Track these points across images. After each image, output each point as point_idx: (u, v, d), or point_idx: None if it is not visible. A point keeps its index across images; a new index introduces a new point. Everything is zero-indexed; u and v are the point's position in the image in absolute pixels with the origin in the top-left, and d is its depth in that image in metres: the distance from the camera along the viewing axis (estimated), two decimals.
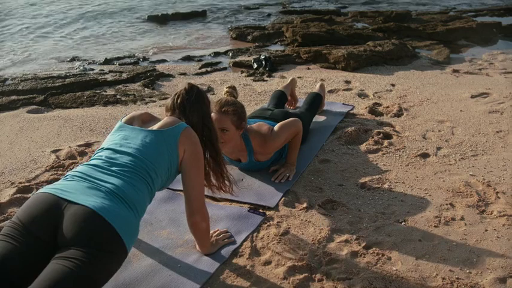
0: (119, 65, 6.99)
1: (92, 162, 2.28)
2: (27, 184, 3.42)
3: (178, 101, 2.56)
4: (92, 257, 1.89)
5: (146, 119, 2.53)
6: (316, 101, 4.38)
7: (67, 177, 2.21)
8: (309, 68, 6.55)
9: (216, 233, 2.75)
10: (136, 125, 2.46)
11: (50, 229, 1.96)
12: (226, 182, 2.73)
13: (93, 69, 6.72)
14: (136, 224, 2.15)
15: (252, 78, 6.09)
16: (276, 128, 3.41)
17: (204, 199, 2.49)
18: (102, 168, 2.22)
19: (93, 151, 3.91)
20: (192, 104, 2.55)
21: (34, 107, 5.17)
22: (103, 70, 6.62)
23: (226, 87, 3.49)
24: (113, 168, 2.21)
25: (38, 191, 2.15)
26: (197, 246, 2.64)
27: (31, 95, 5.45)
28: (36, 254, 1.94)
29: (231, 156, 3.48)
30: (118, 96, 5.43)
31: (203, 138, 2.55)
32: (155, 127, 2.42)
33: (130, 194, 2.13)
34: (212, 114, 3.06)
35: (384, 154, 3.79)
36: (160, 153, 2.33)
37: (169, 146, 2.35)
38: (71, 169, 3.61)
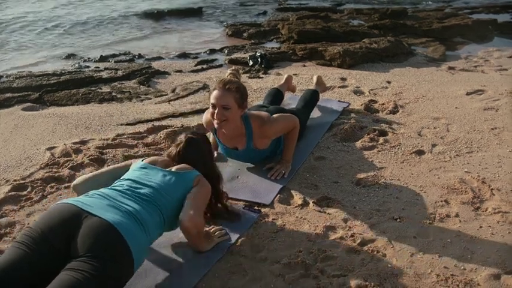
0: (115, 62, 6.97)
1: (115, 187, 2.43)
2: (21, 182, 3.41)
3: (180, 155, 2.72)
4: (102, 270, 1.97)
5: (168, 164, 2.68)
6: (312, 98, 4.37)
7: (88, 194, 2.34)
8: (304, 65, 6.55)
9: (212, 230, 2.75)
10: (159, 166, 2.64)
11: (65, 237, 2.05)
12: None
13: (88, 67, 6.70)
14: (147, 247, 2.29)
15: (247, 75, 6.09)
16: (274, 115, 3.43)
17: (202, 212, 2.54)
18: (123, 193, 2.37)
19: (89, 148, 3.90)
20: (193, 157, 2.72)
21: (29, 104, 5.15)
22: (98, 67, 6.60)
23: (230, 70, 3.48)
24: (133, 195, 2.37)
25: (58, 202, 2.28)
26: None
27: (26, 93, 5.42)
28: (47, 263, 2.02)
29: (229, 144, 3.47)
30: (113, 94, 5.41)
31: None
32: (173, 169, 2.59)
33: (146, 219, 2.27)
34: (215, 92, 3.14)
35: (379, 151, 3.80)
36: (177, 191, 2.49)
37: (185, 187, 2.53)
38: (66, 166, 3.60)
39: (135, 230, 2.17)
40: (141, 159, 2.72)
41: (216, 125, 3.18)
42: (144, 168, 2.58)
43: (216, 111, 3.13)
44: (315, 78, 4.73)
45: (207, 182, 2.64)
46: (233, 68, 3.53)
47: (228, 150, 3.54)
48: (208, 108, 3.24)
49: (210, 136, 3.62)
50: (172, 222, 2.50)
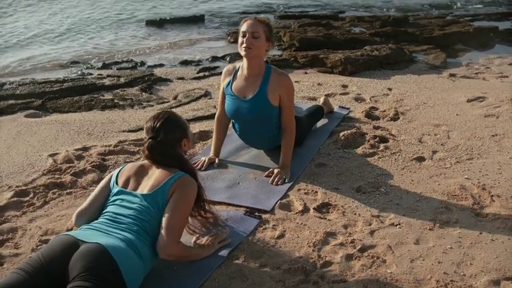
0: (117, 69, 7.01)
1: (100, 220, 2.46)
2: (24, 188, 3.43)
3: (148, 158, 2.61)
4: None
5: (140, 178, 2.57)
6: (317, 112, 4.36)
7: (82, 228, 2.41)
8: (306, 73, 6.57)
9: (213, 236, 2.76)
10: (132, 186, 2.55)
11: (63, 265, 2.11)
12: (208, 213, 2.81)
13: (91, 74, 6.73)
14: (140, 267, 2.30)
15: None
16: None
17: (175, 237, 2.44)
18: (109, 226, 2.39)
19: (91, 155, 3.92)
20: (160, 158, 2.59)
21: (32, 111, 5.18)
22: (101, 74, 6.63)
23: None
24: (119, 225, 2.38)
25: (59, 234, 2.38)
26: None
27: (29, 100, 5.46)
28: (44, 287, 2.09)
29: (239, 92, 3.55)
30: (116, 101, 5.44)
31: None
32: (147, 189, 2.50)
33: (138, 245, 2.31)
34: (246, 22, 3.42)
35: (380, 158, 3.81)
36: (156, 212, 2.45)
37: (162, 205, 2.46)
38: (68, 173, 3.62)
39: (128, 253, 2.22)
40: (116, 172, 2.64)
41: (243, 52, 3.38)
42: (118, 194, 2.53)
43: (245, 39, 3.35)
44: (322, 99, 4.74)
45: (185, 181, 2.52)
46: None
47: (234, 102, 3.57)
48: (228, 68, 3.65)
49: (221, 89, 3.71)
50: None
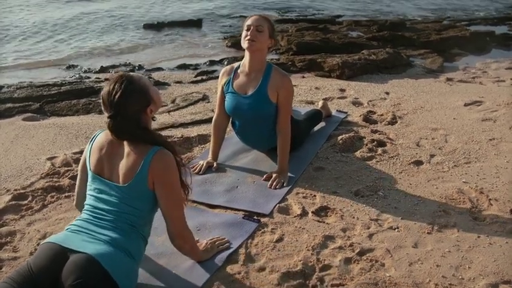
0: (115, 73, 6.99)
1: (83, 216, 2.39)
2: (22, 191, 3.42)
3: (115, 136, 2.34)
4: None
5: (113, 161, 2.36)
6: (315, 116, 4.37)
7: (68, 229, 2.35)
8: (303, 77, 6.58)
9: (213, 240, 2.75)
10: (106, 173, 2.37)
11: (51, 276, 2.10)
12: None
13: (89, 77, 6.73)
14: (132, 267, 2.29)
15: None
16: None
17: (183, 222, 2.45)
18: (93, 223, 2.33)
19: None
20: (129, 133, 2.33)
21: (30, 114, 5.17)
22: (99, 78, 6.63)
23: None
24: (103, 223, 2.32)
25: (45, 241, 2.29)
26: None
27: (27, 103, 5.45)
28: None
29: (240, 88, 3.58)
30: None
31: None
32: (122, 178, 2.33)
33: (125, 244, 2.27)
34: (252, 17, 3.51)
35: (378, 162, 3.82)
36: (140, 204, 2.36)
37: (146, 197, 2.36)
38: (67, 176, 3.62)
39: (117, 257, 2.20)
40: (89, 149, 2.43)
41: (247, 45, 3.43)
42: (94, 181, 2.39)
43: (249, 32, 3.41)
44: (320, 103, 4.75)
45: (162, 161, 2.30)
46: None
47: (235, 99, 3.59)
48: (225, 69, 3.70)
49: (218, 91, 3.72)
50: (151, 222, 2.49)
